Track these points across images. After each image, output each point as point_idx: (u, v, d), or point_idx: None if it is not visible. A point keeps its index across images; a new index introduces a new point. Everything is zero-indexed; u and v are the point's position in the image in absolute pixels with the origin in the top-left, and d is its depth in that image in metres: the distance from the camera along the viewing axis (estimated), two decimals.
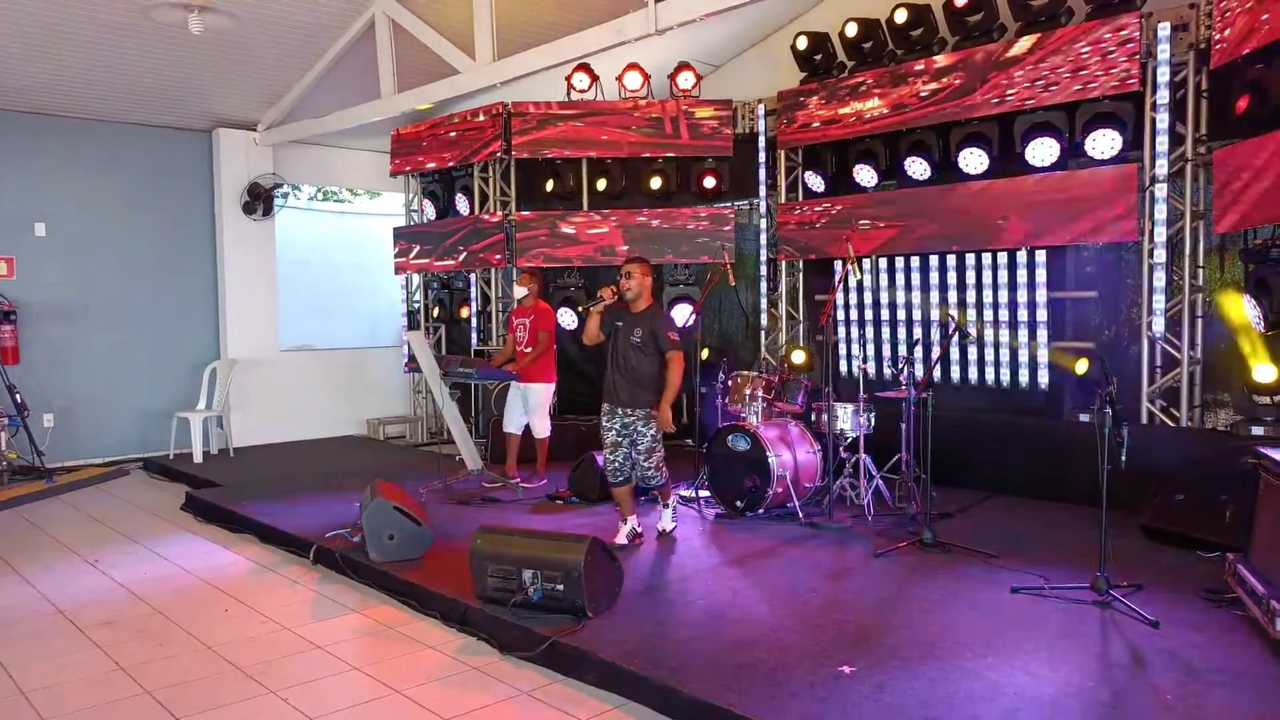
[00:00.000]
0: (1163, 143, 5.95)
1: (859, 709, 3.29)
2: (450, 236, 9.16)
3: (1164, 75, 5.91)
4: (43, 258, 8.76)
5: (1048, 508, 6.27)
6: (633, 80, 8.41)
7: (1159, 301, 6.04)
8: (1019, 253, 6.73)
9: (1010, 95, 6.53)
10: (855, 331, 7.63)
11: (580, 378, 8.92)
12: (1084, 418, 6.45)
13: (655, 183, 8.54)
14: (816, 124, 7.75)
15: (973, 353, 7.04)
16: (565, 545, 4.32)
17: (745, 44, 9.21)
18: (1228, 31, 5.48)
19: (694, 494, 6.62)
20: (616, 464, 5.49)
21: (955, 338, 6.89)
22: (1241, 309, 5.65)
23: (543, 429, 7.27)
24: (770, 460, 5.93)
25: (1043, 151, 6.47)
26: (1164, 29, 5.89)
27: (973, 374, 7.03)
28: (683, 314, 8.71)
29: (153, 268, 9.38)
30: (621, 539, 5.51)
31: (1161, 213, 5.99)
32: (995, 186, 6.75)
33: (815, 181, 8.02)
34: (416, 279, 10.19)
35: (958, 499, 6.44)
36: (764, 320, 8.45)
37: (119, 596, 5.09)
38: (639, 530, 5.62)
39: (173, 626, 4.59)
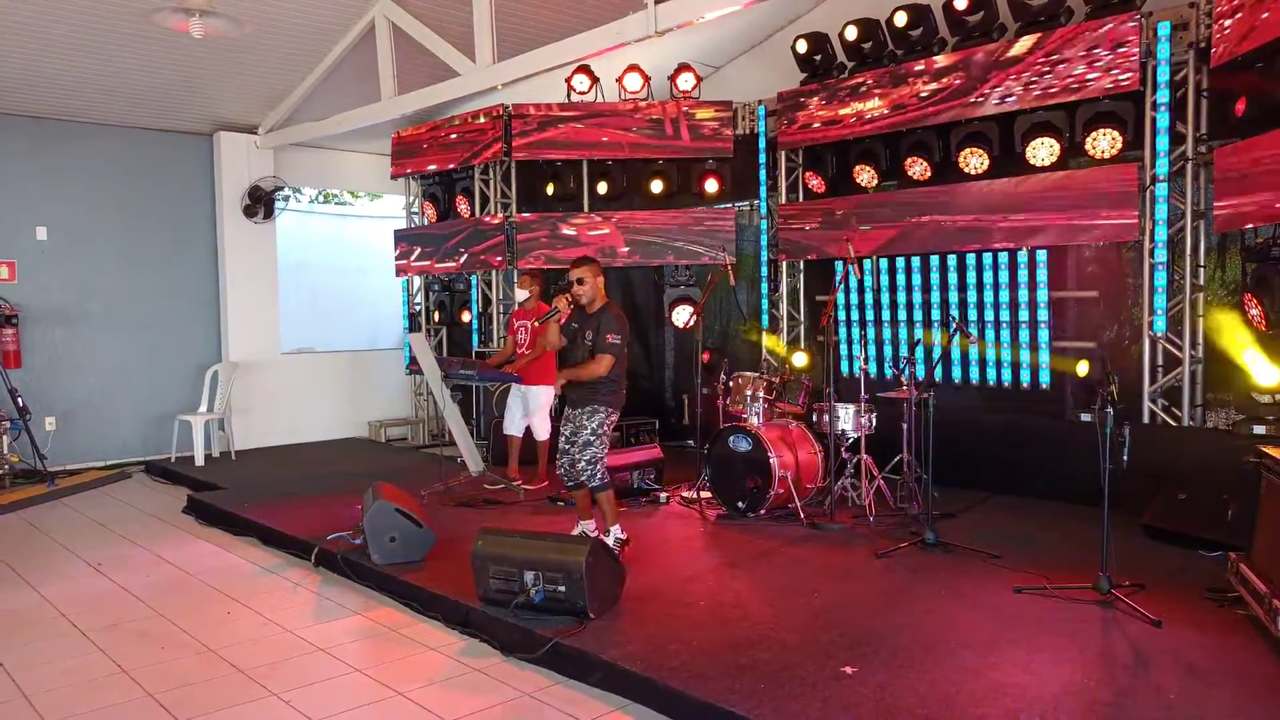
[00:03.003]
0: (1163, 142, 5.94)
1: (861, 709, 3.29)
2: (451, 239, 9.17)
3: (1164, 74, 5.91)
4: (44, 261, 8.77)
5: (1049, 507, 6.26)
6: (633, 82, 8.42)
7: (1160, 301, 6.04)
8: (1020, 252, 6.73)
9: (1010, 95, 6.53)
10: (856, 332, 7.63)
11: None
12: (1085, 417, 6.45)
13: (656, 184, 8.55)
14: (817, 125, 7.75)
15: (974, 353, 7.04)
16: (567, 546, 4.32)
17: (745, 45, 9.22)
18: (1228, 30, 5.48)
19: (695, 495, 6.61)
20: (564, 466, 5.28)
21: (956, 338, 6.89)
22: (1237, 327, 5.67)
23: (544, 431, 7.27)
24: (772, 461, 5.94)
25: (1043, 151, 6.47)
26: (1163, 28, 5.89)
27: (974, 374, 7.03)
28: (684, 315, 8.73)
29: (154, 271, 9.38)
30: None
31: (1162, 212, 5.99)
32: (996, 186, 6.75)
33: (816, 182, 8.02)
34: (417, 281, 10.19)
35: (959, 499, 6.44)
36: (764, 321, 8.44)
37: (121, 599, 5.09)
38: (592, 533, 5.27)
39: (175, 629, 4.60)
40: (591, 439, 5.15)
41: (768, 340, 8.37)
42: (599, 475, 5.19)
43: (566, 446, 5.23)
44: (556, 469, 5.35)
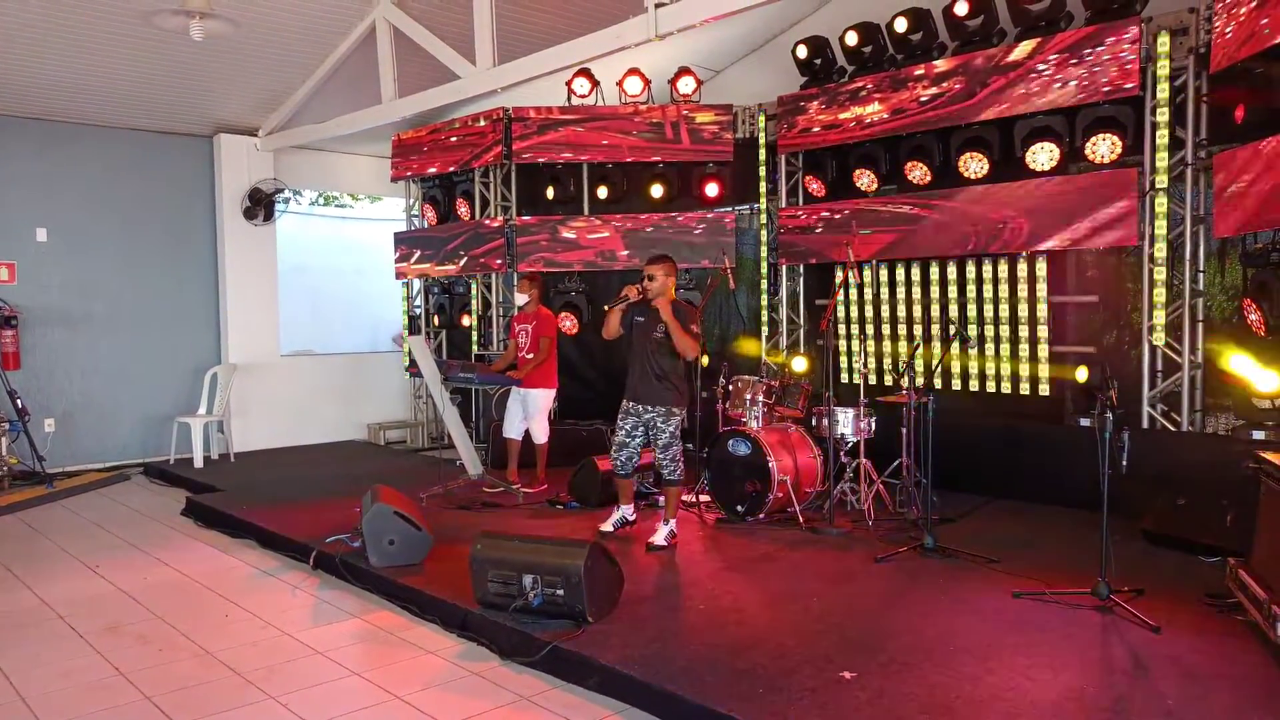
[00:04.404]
0: (1162, 147, 5.94)
1: (859, 714, 3.28)
2: (451, 241, 9.17)
3: (1164, 79, 5.92)
4: (44, 263, 8.77)
5: (1048, 512, 6.26)
6: (633, 85, 8.41)
7: (1159, 306, 6.04)
8: (1019, 257, 6.73)
9: (1010, 100, 6.53)
10: (856, 332, 7.63)
11: (581, 383, 8.92)
12: (1085, 422, 6.44)
13: (656, 187, 8.54)
14: (817, 129, 7.75)
15: (973, 357, 7.03)
16: (566, 550, 4.32)
17: (746, 49, 9.22)
18: (1227, 35, 5.48)
19: (694, 498, 6.61)
20: (621, 460, 5.68)
21: (956, 342, 6.89)
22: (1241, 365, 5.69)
23: (542, 434, 7.27)
24: (771, 465, 5.93)
25: (1043, 156, 6.47)
26: (1163, 33, 5.90)
27: (973, 378, 7.03)
28: None
29: (154, 273, 9.38)
30: (608, 526, 5.75)
31: (1162, 217, 5.99)
32: (996, 191, 6.75)
33: (815, 186, 8.02)
34: (417, 284, 10.19)
35: (958, 504, 6.43)
36: (764, 325, 8.44)
37: (119, 602, 5.09)
38: (631, 520, 5.84)
39: (173, 632, 4.59)
40: (672, 440, 5.57)
41: (764, 347, 8.36)
42: (680, 470, 5.62)
43: (626, 439, 5.61)
44: (612, 461, 5.72)
